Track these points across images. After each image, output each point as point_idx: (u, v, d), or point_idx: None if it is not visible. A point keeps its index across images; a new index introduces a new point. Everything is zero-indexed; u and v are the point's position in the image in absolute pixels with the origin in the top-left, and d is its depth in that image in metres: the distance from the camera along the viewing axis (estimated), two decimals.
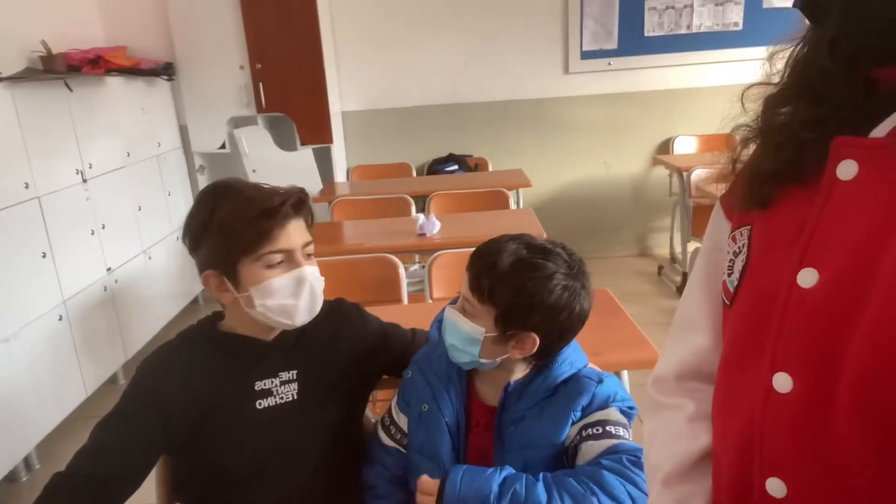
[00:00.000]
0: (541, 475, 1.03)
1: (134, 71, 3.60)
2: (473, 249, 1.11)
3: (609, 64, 4.42)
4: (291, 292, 1.13)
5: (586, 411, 1.08)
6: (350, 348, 1.26)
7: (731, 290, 0.66)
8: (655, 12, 4.32)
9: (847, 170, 0.55)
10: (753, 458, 0.59)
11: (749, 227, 0.66)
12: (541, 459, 1.08)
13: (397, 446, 1.20)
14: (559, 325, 1.07)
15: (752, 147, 0.67)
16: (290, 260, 1.13)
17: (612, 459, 1.02)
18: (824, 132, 0.58)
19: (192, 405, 1.13)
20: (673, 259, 4.49)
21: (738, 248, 0.66)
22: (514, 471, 1.05)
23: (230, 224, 1.10)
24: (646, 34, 4.36)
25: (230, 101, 4.05)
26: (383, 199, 3.41)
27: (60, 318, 2.79)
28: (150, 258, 3.62)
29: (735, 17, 4.30)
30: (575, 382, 1.10)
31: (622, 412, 1.09)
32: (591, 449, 1.05)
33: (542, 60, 4.43)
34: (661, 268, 4.37)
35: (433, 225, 2.66)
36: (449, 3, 4.33)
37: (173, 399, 1.12)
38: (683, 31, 4.35)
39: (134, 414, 1.11)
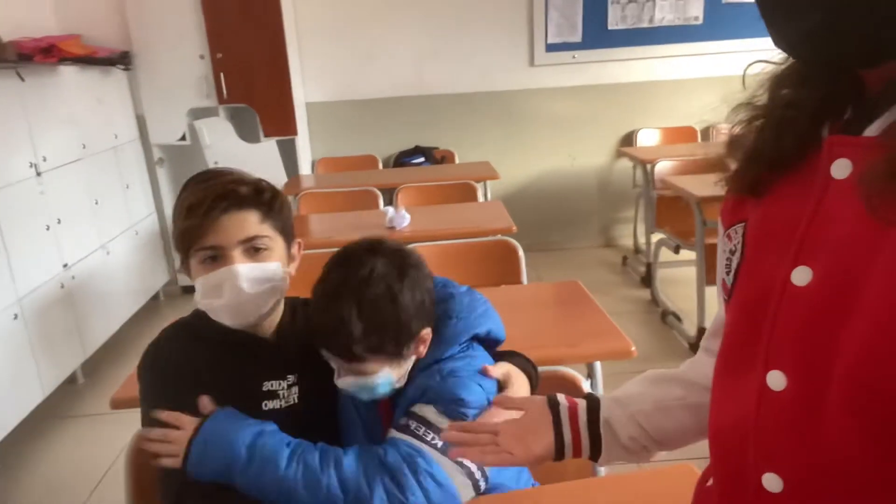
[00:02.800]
0: (297, 442, 1.02)
1: (89, 60, 3.48)
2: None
3: (574, 57, 4.45)
4: (213, 292, 1.06)
5: (419, 397, 1.06)
6: None
7: (728, 287, 0.67)
8: (619, 5, 4.36)
9: (841, 169, 0.56)
10: (749, 453, 0.60)
11: (743, 223, 0.66)
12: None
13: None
14: (428, 308, 1.07)
15: (749, 126, 0.66)
16: (221, 257, 1.06)
17: (369, 453, 1.01)
18: (815, 123, 0.59)
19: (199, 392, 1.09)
20: (637, 249, 4.56)
21: (734, 246, 0.67)
22: (276, 429, 1.02)
23: (175, 219, 1.09)
24: (609, 27, 4.40)
25: (190, 91, 3.95)
26: (351, 192, 3.38)
27: (16, 317, 2.69)
28: (108, 253, 3.52)
29: (696, 10, 4.37)
30: (431, 372, 1.07)
31: (444, 413, 1.02)
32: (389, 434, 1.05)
33: (508, 52, 4.43)
34: (625, 258, 4.44)
35: (403, 218, 2.64)
36: None
37: (187, 378, 1.09)
38: (646, 24, 4.40)
39: (183, 394, 1.06)
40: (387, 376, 1.04)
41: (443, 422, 1.01)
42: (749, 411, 0.60)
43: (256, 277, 1.07)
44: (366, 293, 1.00)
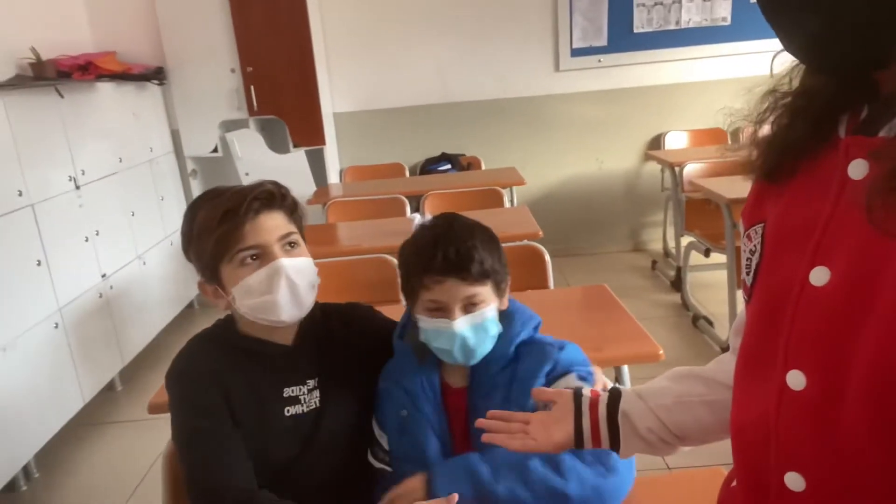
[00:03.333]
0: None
1: (124, 76, 3.59)
2: (413, 263, 1.14)
3: (599, 61, 4.44)
4: (267, 288, 1.09)
5: (549, 377, 1.12)
6: (367, 353, 1.24)
7: (748, 287, 0.68)
8: (644, 8, 4.34)
9: (858, 169, 0.56)
10: (770, 453, 0.60)
11: (762, 224, 0.67)
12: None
13: (384, 467, 1.19)
14: (503, 254, 1.18)
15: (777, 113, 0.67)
16: (264, 255, 1.10)
17: None
18: (832, 113, 0.59)
19: (226, 403, 1.12)
20: (666, 253, 4.51)
21: (754, 246, 0.67)
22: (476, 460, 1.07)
23: (202, 232, 1.11)
24: (635, 30, 4.38)
25: (221, 104, 4.04)
26: (378, 200, 3.41)
27: (56, 326, 2.78)
28: (144, 263, 3.61)
29: (723, 11, 4.33)
30: (538, 350, 1.15)
31: (581, 377, 1.12)
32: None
33: (533, 58, 4.44)
34: (654, 262, 4.39)
35: None
36: (439, 3, 4.33)
37: (214, 387, 1.12)
38: (672, 26, 4.37)
39: (212, 407, 1.11)
40: (493, 311, 1.12)
41: (585, 385, 1.08)
42: (770, 411, 0.60)
43: (300, 269, 1.13)
44: (475, 226, 1.16)
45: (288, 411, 1.15)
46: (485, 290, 1.11)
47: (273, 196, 1.12)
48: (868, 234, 0.54)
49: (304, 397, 1.17)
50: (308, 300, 1.15)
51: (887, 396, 0.51)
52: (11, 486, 2.51)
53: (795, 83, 0.63)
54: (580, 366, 1.14)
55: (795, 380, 0.57)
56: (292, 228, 1.14)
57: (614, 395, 0.87)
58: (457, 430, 1.15)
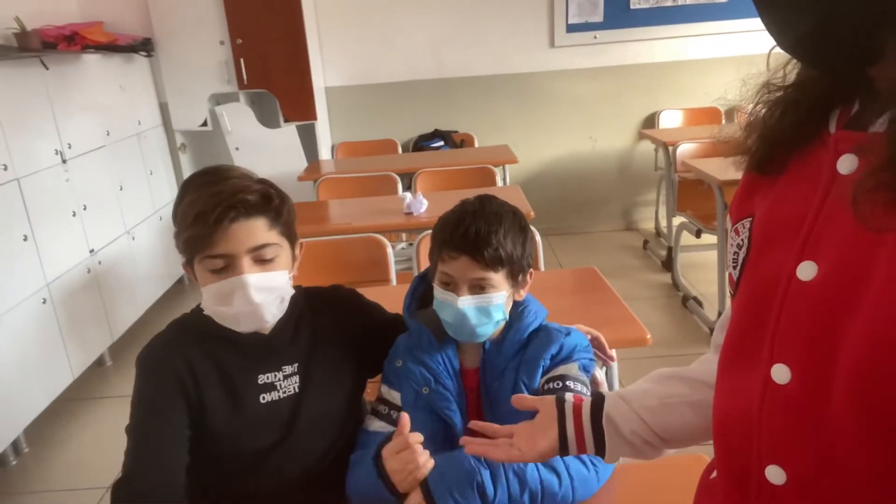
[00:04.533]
0: None
1: (111, 47, 3.52)
2: (437, 235, 1.16)
3: (595, 37, 4.39)
4: (227, 300, 1.07)
5: (555, 360, 1.16)
6: (350, 338, 1.24)
7: (735, 281, 0.67)
8: None
9: (847, 164, 0.56)
10: (752, 446, 0.61)
11: (750, 218, 0.66)
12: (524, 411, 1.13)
13: (384, 426, 1.20)
14: (532, 246, 1.20)
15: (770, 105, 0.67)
16: (231, 266, 1.06)
17: None
18: (824, 106, 0.59)
19: (195, 393, 1.12)
20: (658, 233, 4.52)
21: (741, 240, 0.67)
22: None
23: (180, 222, 1.09)
24: (631, 6, 4.33)
25: (211, 77, 3.98)
26: (369, 178, 3.39)
27: (44, 301, 2.76)
28: (133, 238, 3.58)
29: None
30: (545, 334, 1.19)
31: (583, 366, 1.16)
32: None
33: (528, 34, 4.39)
34: (646, 242, 4.40)
35: (420, 204, 2.65)
36: None
37: (183, 379, 1.11)
38: (669, 3, 4.32)
39: (161, 403, 1.10)
40: (502, 298, 1.14)
41: (584, 376, 1.15)
42: (753, 404, 0.60)
43: (265, 287, 1.09)
44: (505, 212, 1.16)
45: (263, 398, 1.15)
46: (497, 277, 1.13)
47: (251, 204, 1.06)
48: (856, 229, 0.54)
49: (280, 383, 1.16)
50: (271, 314, 1.12)
51: (871, 392, 0.51)
52: (1, 460, 2.52)
53: (791, 77, 0.62)
54: (583, 352, 1.19)
55: (780, 373, 0.58)
56: (270, 238, 1.09)
57: (597, 400, 0.87)
58: (472, 409, 1.19)
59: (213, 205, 1.04)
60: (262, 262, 1.09)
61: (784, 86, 0.63)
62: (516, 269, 1.15)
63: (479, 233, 1.11)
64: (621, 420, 0.84)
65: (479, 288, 1.13)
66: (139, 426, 1.10)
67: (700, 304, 3.33)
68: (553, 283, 1.97)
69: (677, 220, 3.74)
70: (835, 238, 0.55)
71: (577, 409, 0.86)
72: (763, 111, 0.65)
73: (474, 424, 0.94)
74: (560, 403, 0.88)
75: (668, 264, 3.85)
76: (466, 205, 1.17)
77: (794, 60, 0.62)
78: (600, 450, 0.85)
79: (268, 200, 1.09)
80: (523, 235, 1.17)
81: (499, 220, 1.13)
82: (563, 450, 0.86)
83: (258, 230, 1.08)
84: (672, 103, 4.52)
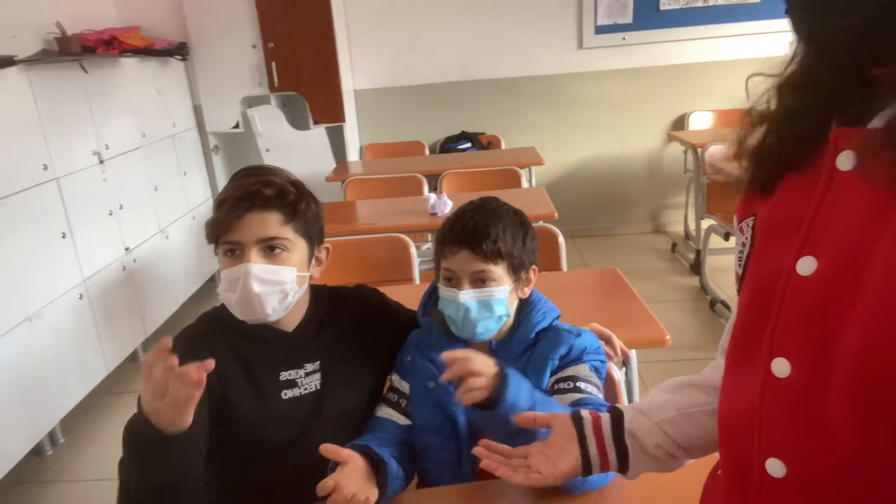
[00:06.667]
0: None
1: (148, 51, 3.62)
2: (439, 234, 1.19)
3: (624, 38, 4.36)
4: (230, 286, 1.11)
5: (564, 360, 1.15)
6: (371, 337, 1.26)
7: (739, 278, 0.68)
8: None
9: (846, 160, 0.56)
10: (754, 440, 0.61)
11: (754, 216, 0.67)
12: (529, 410, 1.12)
13: (392, 413, 1.22)
14: (534, 244, 1.21)
15: (760, 128, 0.68)
16: (240, 253, 1.11)
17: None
18: (821, 123, 0.59)
19: (218, 384, 1.14)
20: (687, 236, 4.46)
21: (746, 238, 0.68)
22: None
23: (213, 209, 1.15)
24: (661, 7, 4.30)
25: (243, 80, 4.07)
26: (396, 179, 3.42)
27: (81, 297, 2.86)
28: (167, 237, 3.68)
29: None
30: (555, 334, 1.18)
31: (594, 368, 1.16)
32: (559, 402, 1.11)
33: (556, 36, 4.38)
34: (674, 245, 4.35)
35: (445, 204, 2.67)
36: None
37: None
38: (699, 4, 4.27)
39: None
40: (504, 292, 1.14)
41: (594, 377, 1.14)
42: (754, 398, 0.61)
43: (267, 278, 1.11)
44: (504, 209, 1.19)
45: (285, 394, 1.17)
46: (497, 270, 1.14)
47: (266, 197, 1.10)
48: (855, 224, 0.54)
49: (302, 380, 1.18)
50: (271, 306, 1.13)
51: (870, 385, 0.51)
52: (38, 450, 2.60)
53: (787, 101, 0.63)
54: (594, 353, 1.18)
55: (780, 367, 0.58)
56: (282, 233, 1.12)
57: (616, 416, 0.85)
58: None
59: (234, 195, 1.10)
60: (271, 254, 1.12)
61: (777, 112, 0.63)
62: (517, 264, 1.16)
63: (477, 226, 1.13)
64: (644, 434, 0.83)
65: (480, 281, 1.14)
66: None
67: (728, 307, 3.29)
68: (574, 282, 1.97)
69: (706, 223, 3.70)
70: (834, 233, 0.56)
71: (597, 426, 0.85)
72: (760, 135, 0.65)
73: (485, 444, 0.89)
74: (577, 421, 0.86)
75: (697, 267, 3.81)
76: (467, 204, 1.20)
77: (777, 89, 0.63)
78: (623, 467, 0.83)
79: (284, 196, 1.12)
80: (523, 231, 1.18)
81: (497, 216, 1.16)
82: (587, 470, 0.84)
83: (270, 223, 1.11)
84: (702, 105, 4.47)
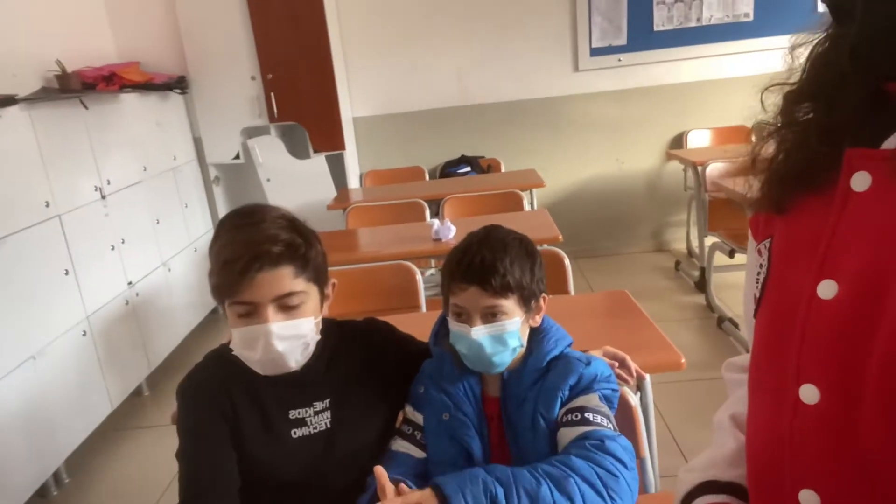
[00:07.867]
0: (514, 469, 1.05)
1: (148, 86, 3.65)
2: (446, 269, 1.17)
3: (619, 60, 4.40)
4: (250, 346, 1.09)
5: (573, 391, 1.14)
6: (382, 372, 1.24)
7: (757, 300, 0.67)
8: (664, 6, 4.29)
9: (861, 181, 0.56)
10: (784, 468, 0.60)
11: (770, 239, 0.66)
12: (545, 438, 1.12)
13: (408, 447, 1.20)
14: (542, 272, 1.19)
15: (771, 143, 0.67)
16: (255, 313, 1.07)
17: (577, 445, 1.07)
18: (834, 142, 0.58)
19: (233, 420, 1.14)
20: (690, 254, 4.46)
21: (763, 260, 0.67)
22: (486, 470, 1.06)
23: (212, 266, 1.10)
24: (655, 28, 4.34)
25: (243, 111, 4.09)
26: (397, 205, 3.42)
27: (84, 334, 2.84)
28: (169, 270, 3.67)
29: (745, 7, 4.26)
30: (565, 363, 1.17)
31: (604, 397, 1.14)
32: (566, 435, 1.10)
33: (552, 59, 4.42)
34: (678, 263, 4.34)
35: (448, 230, 2.66)
36: (456, 5, 4.33)
37: (222, 405, 1.14)
38: (693, 23, 4.32)
39: (207, 428, 1.13)
40: (516, 325, 1.13)
41: (604, 406, 1.13)
42: (783, 427, 0.59)
43: (288, 335, 1.09)
44: (510, 240, 1.17)
45: (294, 433, 1.16)
46: (508, 304, 1.13)
47: (277, 254, 1.06)
48: (874, 246, 0.54)
49: (311, 419, 1.17)
50: (294, 360, 1.12)
51: None
52: (43, 491, 2.56)
53: (799, 113, 0.62)
54: (604, 381, 1.16)
55: (809, 394, 0.57)
56: (296, 286, 1.09)
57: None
58: (494, 437, 1.18)
59: (240, 254, 1.05)
60: (287, 309, 1.09)
61: (788, 125, 0.63)
62: (527, 295, 1.15)
63: (484, 261, 1.12)
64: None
65: (491, 316, 1.13)
66: (186, 454, 1.12)
67: (736, 325, 3.27)
68: (583, 307, 1.96)
69: (709, 241, 3.69)
70: (853, 256, 0.55)
71: None
72: (772, 151, 0.64)
73: None
74: None
75: (702, 285, 3.79)
76: (472, 236, 1.18)
77: (786, 100, 0.62)
78: None
79: (294, 250, 1.09)
80: (531, 261, 1.16)
81: (504, 248, 1.14)
82: None
83: (283, 279, 1.08)
84: (700, 123, 4.49)
